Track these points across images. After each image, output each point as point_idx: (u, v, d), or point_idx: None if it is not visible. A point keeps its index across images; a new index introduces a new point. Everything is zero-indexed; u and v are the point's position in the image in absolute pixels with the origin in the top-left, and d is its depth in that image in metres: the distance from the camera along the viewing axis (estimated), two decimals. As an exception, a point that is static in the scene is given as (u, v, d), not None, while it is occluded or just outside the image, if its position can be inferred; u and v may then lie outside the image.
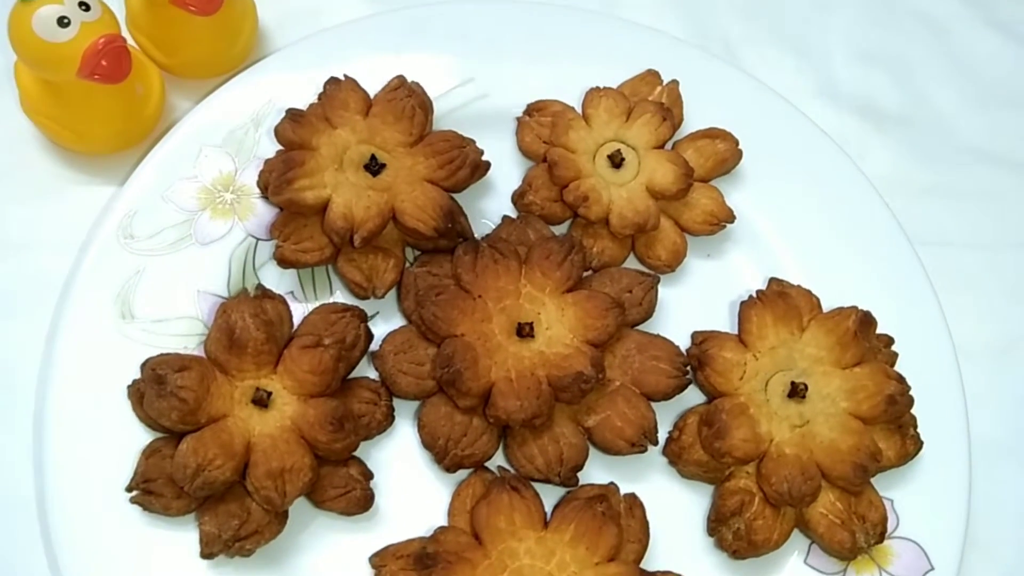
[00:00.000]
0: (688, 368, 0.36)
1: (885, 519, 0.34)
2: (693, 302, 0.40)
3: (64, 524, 0.33)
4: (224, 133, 0.40)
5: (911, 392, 0.34)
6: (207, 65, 0.42)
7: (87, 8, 0.36)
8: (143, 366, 0.33)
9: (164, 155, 0.39)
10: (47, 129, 0.40)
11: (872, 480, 0.35)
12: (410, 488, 0.36)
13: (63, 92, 0.38)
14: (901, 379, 0.34)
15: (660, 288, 0.39)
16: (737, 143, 0.41)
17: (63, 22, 0.35)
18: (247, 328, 0.33)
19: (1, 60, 0.40)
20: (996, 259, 0.44)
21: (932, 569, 0.35)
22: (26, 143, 0.41)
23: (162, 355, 0.34)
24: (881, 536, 0.34)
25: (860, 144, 0.45)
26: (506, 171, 0.41)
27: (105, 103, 0.39)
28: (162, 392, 0.32)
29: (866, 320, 0.35)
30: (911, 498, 0.36)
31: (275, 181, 0.36)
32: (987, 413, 0.40)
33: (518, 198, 0.40)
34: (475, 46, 0.42)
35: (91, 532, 0.33)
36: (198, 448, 0.32)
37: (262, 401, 0.33)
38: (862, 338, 0.35)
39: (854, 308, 0.36)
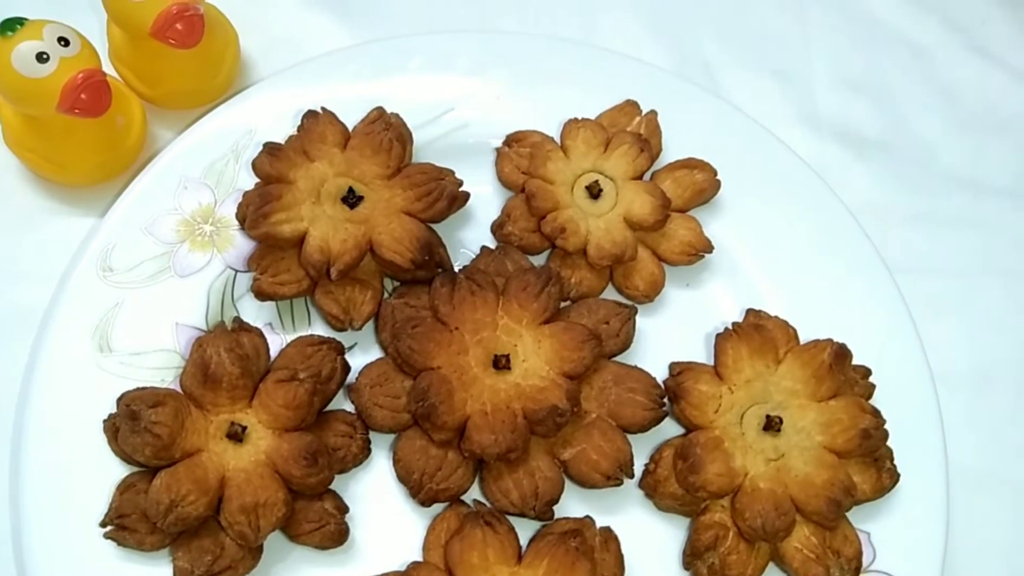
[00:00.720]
0: (665, 400, 0.36)
1: (860, 554, 0.34)
2: (671, 332, 0.40)
3: (40, 559, 0.33)
4: (204, 165, 0.40)
5: (886, 425, 0.34)
6: (189, 96, 0.42)
7: (66, 43, 0.36)
8: (119, 401, 0.33)
9: (144, 187, 0.39)
10: (29, 162, 0.41)
11: (848, 513, 0.35)
12: (385, 522, 0.36)
13: (44, 126, 0.39)
14: (876, 413, 0.34)
15: (638, 318, 0.39)
16: (715, 173, 0.41)
17: (42, 58, 0.35)
18: (222, 363, 0.34)
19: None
20: (976, 286, 0.44)
21: (908, 603, 0.34)
22: (8, 175, 0.42)
23: (137, 390, 0.34)
24: (856, 571, 0.34)
25: (841, 171, 0.45)
26: (486, 201, 0.41)
27: (86, 136, 0.39)
28: (136, 428, 0.32)
29: (841, 353, 0.35)
30: (888, 531, 0.36)
31: (252, 215, 0.36)
32: (966, 441, 0.40)
33: (497, 229, 0.40)
34: (455, 76, 0.43)
35: (67, 567, 0.33)
36: (171, 484, 0.32)
37: (236, 436, 0.33)
38: (837, 371, 0.35)
39: (829, 341, 0.36)
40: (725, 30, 0.48)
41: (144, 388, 0.34)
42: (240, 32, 0.43)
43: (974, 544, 0.38)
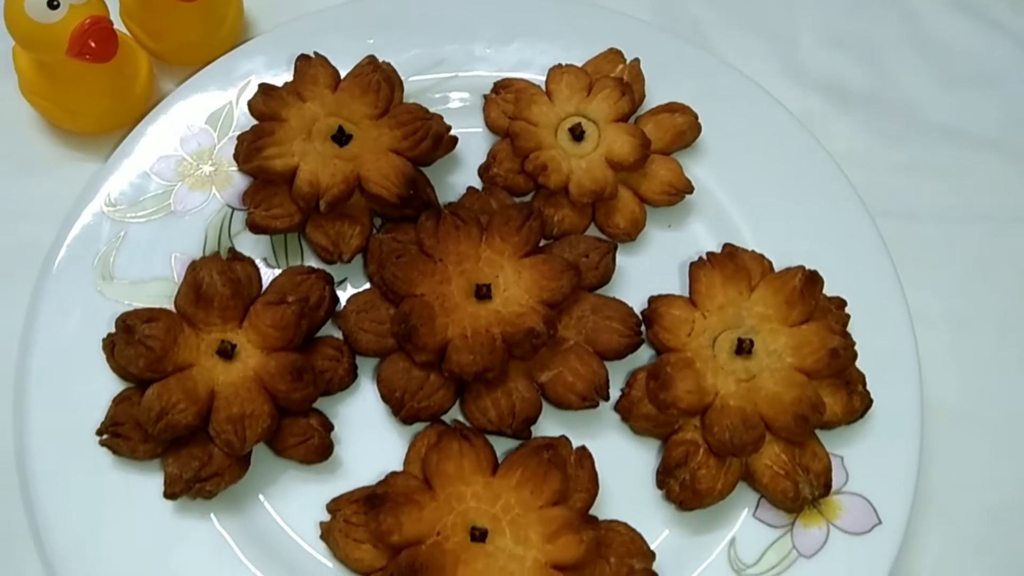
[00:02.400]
0: (641, 328, 0.37)
1: (829, 470, 0.34)
2: (652, 270, 0.41)
3: (41, 472, 0.35)
4: (205, 111, 0.42)
5: (860, 354, 0.35)
6: (193, 50, 0.44)
7: (75, -9, 0.38)
8: (117, 319, 0.35)
9: (148, 130, 0.41)
10: (43, 109, 0.43)
11: (822, 438, 0.36)
12: (369, 442, 0.37)
13: (56, 73, 0.41)
14: (845, 334, 0.35)
15: (620, 257, 0.40)
16: (696, 117, 0.42)
17: (52, 4, 0.38)
18: (214, 284, 0.35)
19: (1, 46, 0.43)
20: (958, 231, 0.44)
21: (880, 523, 0.35)
22: (23, 124, 0.44)
23: (134, 309, 0.35)
24: (825, 487, 0.34)
25: (825, 123, 0.46)
26: (475, 148, 0.43)
27: (95, 84, 0.42)
28: (130, 340, 0.34)
29: (812, 278, 0.36)
30: (861, 455, 0.36)
31: (245, 149, 0.38)
32: (947, 381, 0.41)
33: (483, 171, 0.42)
34: (446, 30, 0.44)
35: (66, 478, 0.35)
36: (163, 393, 0.33)
37: (226, 352, 0.35)
38: (808, 296, 0.36)
39: (801, 267, 0.36)
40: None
41: (141, 308, 0.36)
42: (243, -9, 0.46)
43: (952, 476, 0.39)
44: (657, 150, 0.41)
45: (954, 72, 0.48)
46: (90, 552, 0.34)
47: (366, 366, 0.38)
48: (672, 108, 0.42)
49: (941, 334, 0.42)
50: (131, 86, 0.43)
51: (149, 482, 0.35)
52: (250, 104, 0.39)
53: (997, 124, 0.47)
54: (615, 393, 0.37)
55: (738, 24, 0.49)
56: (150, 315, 0.35)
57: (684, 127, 0.42)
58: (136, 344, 0.34)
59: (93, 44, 0.39)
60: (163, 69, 0.45)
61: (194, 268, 0.36)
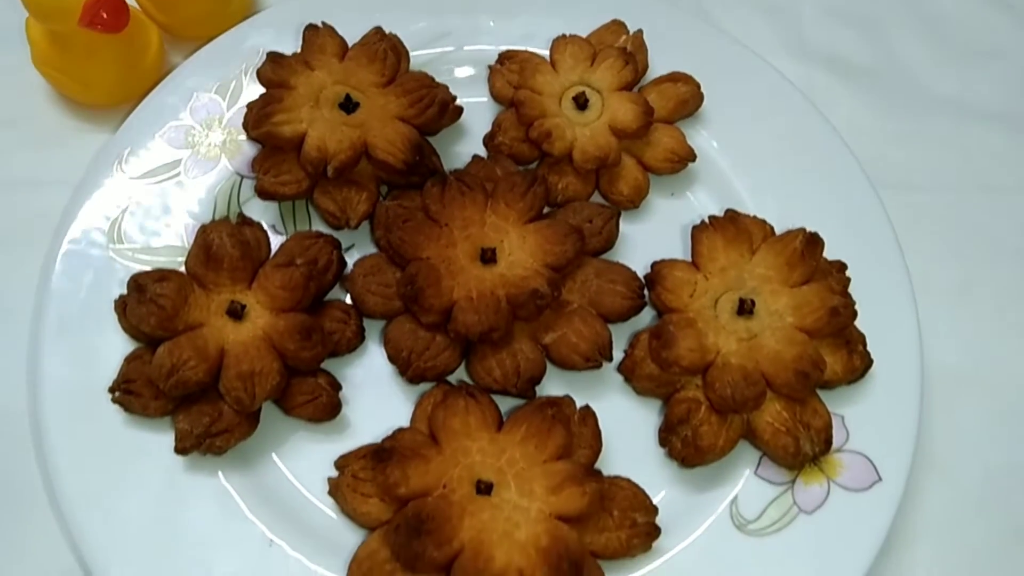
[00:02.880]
0: (644, 292, 0.38)
1: (829, 426, 0.35)
2: (655, 237, 0.41)
3: (54, 428, 0.35)
4: (215, 80, 0.43)
5: (855, 307, 0.35)
6: (203, 23, 0.45)
7: (87, -38, 0.39)
8: (128, 280, 0.36)
9: (159, 99, 0.42)
10: (55, 81, 0.44)
11: (824, 398, 0.36)
12: (376, 402, 0.38)
13: (68, 45, 0.42)
14: (845, 293, 0.36)
15: (624, 224, 0.40)
16: (698, 86, 0.42)
17: (66, -26, 0.38)
18: (223, 245, 0.36)
19: (14, 19, 0.43)
20: (960, 201, 0.45)
21: (880, 480, 0.35)
22: (36, 95, 0.45)
23: (145, 270, 0.36)
24: (826, 443, 0.35)
25: (827, 95, 0.47)
26: (480, 118, 0.43)
27: (107, 56, 0.42)
28: (142, 299, 0.35)
29: (812, 240, 0.36)
30: (862, 415, 0.37)
31: (254, 116, 0.39)
32: (948, 345, 0.41)
33: (488, 140, 0.42)
34: (451, 4, 0.45)
35: (78, 435, 0.35)
36: (173, 350, 0.34)
37: (236, 312, 0.35)
38: (809, 257, 0.36)
39: (801, 229, 0.37)
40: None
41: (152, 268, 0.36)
42: (253, -33, 0.47)
43: (952, 440, 0.39)
44: (660, 119, 0.42)
45: (955, 45, 0.49)
46: (102, 507, 0.34)
47: (373, 331, 0.39)
48: (675, 78, 0.43)
49: (942, 300, 0.42)
50: (141, 58, 0.44)
51: (160, 439, 0.35)
52: (259, 72, 0.40)
53: (997, 96, 0.48)
54: (618, 355, 0.38)
55: (741, 1, 0.50)
56: (161, 275, 0.35)
57: (687, 96, 0.42)
58: (148, 303, 0.34)
59: (105, 15, 0.39)
60: (173, 45, 0.46)
61: (204, 230, 0.36)
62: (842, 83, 0.48)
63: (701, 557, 0.34)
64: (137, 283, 0.35)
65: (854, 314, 0.35)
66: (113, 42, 0.42)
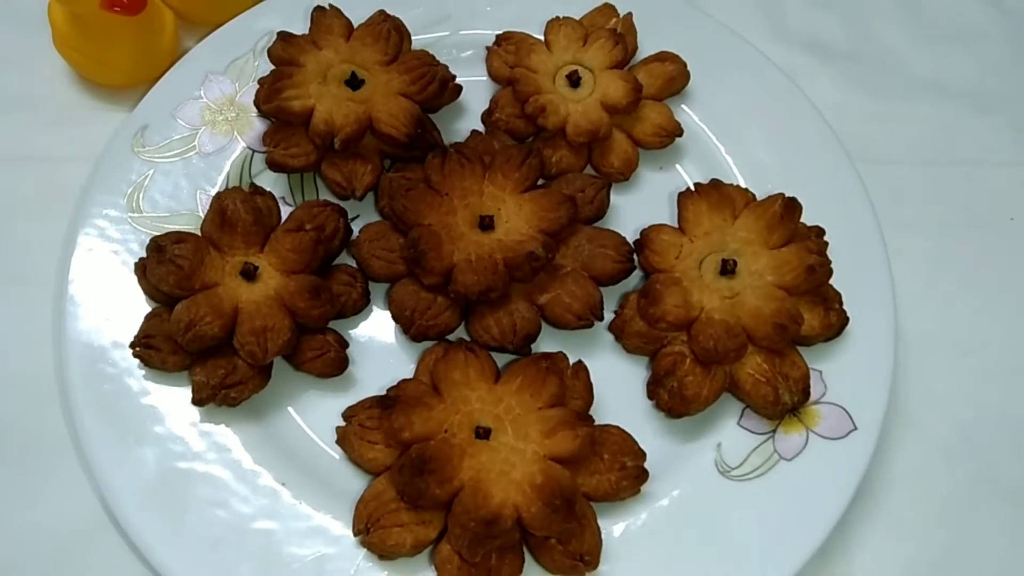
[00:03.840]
0: (633, 256, 0.40)
1: (807, 377, 0.37)
2: (644, 208, 0.44)
3: (78, 385, 0.38)
4: (227, 61, 0.45)
5: (831, 266, 0.38)
6: (215, 8, 0.47)
7: (109, -52, 0.41)
8: (148, 242, 0.38)
9: (174, 79, 0.44)
10: (74, 61, 0.46)
11: (804, 354, 0.38)
12: (381, 360, 0.40)
13: (88, 27, 0.44)
14: (821, 253, 0.38)
15: (614, 196, 0.43)
16: (685, 65, 0.45)
17: (88, -42, 0.41)
18: (237, 210, 0.38)
19: (38, 4, 0.46)
20: (936, 175, 0.47)
21: (855, 429, 0.37)
22: (56, 76, 0.47)
23: (164, 232, 0.38)
24: (804, 393, 0.37)
25: (808, 76, 0.49)
26: (478, 97, 0.46)
27: (124, 38, 0.45)
28: (161, 259, 0.37)
29: (790, 204, 0.39)
30: (839, 370, 0.39)
31: (265, 91, 0.41)
32: (923, 310, 0.43)
33: (486, 116, 0.44)
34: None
35: (101, 391, 0.38)
36: (191, 306, 0.36)
37: (249, 273, 0.38)
38: (787, 219, 0.38)
39: (780, 194, 0.39)
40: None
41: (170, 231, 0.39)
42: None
43: (925, 396, 0.41)
44: (648, 96, 0.44)
45: (931, 29, 0.51)
46: (124, 456, 0.36)
47: (378, 296, 0.41)
48: (662, 57, 0.45)
49: (918, 268, 0.44)
50: (157, 41, 0.46)
51: (177, 392, 0.38)
52: (270, 50, 0.42)
53: (972, 77, 0.50)
54: (609, 316, 0.40)
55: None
56: (179, 236, 0.37)
57: (674, 74, 0.45)
58: (167, 263, 0.37)
59: (124, -3, 0.42)
60: (187, 30, 0.48)
61: (219, 197, 0.39)
62: (823, 65, 0.50)
63: (688, 501, 0.37)
64: (157, 244, 0.37)
65: (830, 272, 0.38)
66: (130, 25, 0.44)
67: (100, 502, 0.37)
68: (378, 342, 0.40)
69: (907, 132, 0.48)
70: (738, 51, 0.47)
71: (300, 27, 0.45)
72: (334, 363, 0.38)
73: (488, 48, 0.46)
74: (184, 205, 0.42)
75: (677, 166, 0.45)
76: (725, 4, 0.51)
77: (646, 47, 0.46)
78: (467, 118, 0.46)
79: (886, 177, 0.46)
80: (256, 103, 0.42)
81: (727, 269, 0.38)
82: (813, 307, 0.38)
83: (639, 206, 0.44)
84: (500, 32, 0.46)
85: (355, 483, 0.37)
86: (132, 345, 0.37)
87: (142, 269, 0.38)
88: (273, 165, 0.42)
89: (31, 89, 0.47)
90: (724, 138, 0.45)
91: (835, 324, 0.38)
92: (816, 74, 0.50)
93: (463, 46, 0.47)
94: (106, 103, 0.47)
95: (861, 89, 0.49)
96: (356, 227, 0.42)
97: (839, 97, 0.49)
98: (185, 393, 0.37)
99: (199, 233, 0.39)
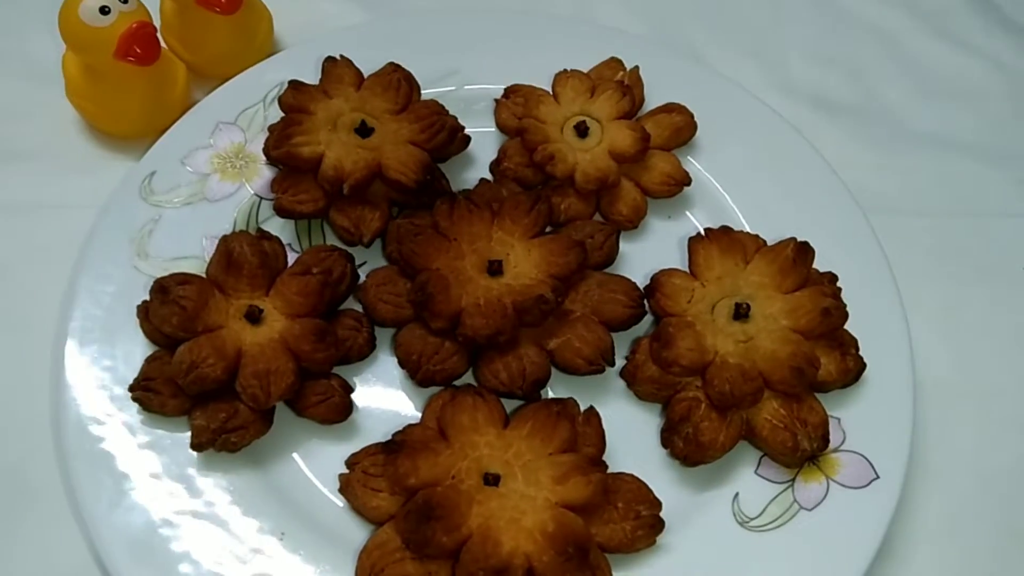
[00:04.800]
0: (643, 301, 0.40)
1: (825, 423, 0.36)
2: (653, 256, 0.43)
3: (73, 431, 0.36)
4: (237, 111, 0.45)
5: (846, 308, 0.37)
6: (226, 62, 0.48)
7: (125, 0, 0.42)
8: (152, 284, 0.37)
9: (184, 127, 0.45)
10: (87, 112, 0.47)
11: (819, 399, 0.37)
12: (387, 408, 0.39)
13: (102, 77, 0.45)
14: (836, 296, 0.37)
15: (624, 244, 0.42)
16: (692, 116, 0.45)
17: (104, 10, 0.42)
18: (243, 253, 0.38)
19: (51, 58, 0.47)
20: (944, 225, 0.47)
21: (877, 478, 0.36)
22: (68, 128, 0.48)
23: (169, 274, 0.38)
24: (823, 439, 0.36)
25: (813, 131, 0.49)
26: (486, 148, 0.46)
27: (136, 89, 0.45)
28: (165, 300, 0.36)
29: (803, 248, 0.38)
30: (857, 417, 0.38)
31: (275, 137, 0.41)
32: (939, 358, 0.43)
33: (494, 166, 0.45)
34: (460, 46, 0.48)
35: (97, 438, 0.36)
36: (193, 348, 0.35)
37: (254, 316, 0.37)
38: (800, 264, 0.38)
39: (792, 239, 0.39)
40: (709, 13, 0.54)
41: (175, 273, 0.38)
42: (275, 15, 0.50)
43: (946, 447, 0.40)
44: (656, 146, 0.45)
45: (933, 87, 0.52)
46: (118, 504, 0.35)
47: (384, 343, 0.40)
48: (670, 108, 0.45)
49: (931, 317, 0.44)
50: (169, 93, 0.47)
51: (176, 438, 0.36)
52: (280, 98, 0.42)
53: (975, 131, 0.50)
54: (619, 363, 0.39)
55: (731, 44, 0.53)
56: (184, 278, 0.37)
57: (681, 124, 0.45)
58: (170, 303, 0.36)
59: (138, 49, 0.43)
60: (198, 84, 0.49)
61: (226, 239, 0.38)
62: (827, 120, 0.51)
63: (706, 552, 0.35)
64: (161, 285, 0.37)
65: (845, 315, 0.37)
66: (143, 76, 0.45)
67: (92, 556, 0.36)
68: (384, 389, 0.39)
69: (913, 184, 0.48)
70: (743, 103, 0.47)
71: (311, 80, 0.45)
72: (338, 408, 0.37)
73: (496, 100, 0.46)
74: (190, 250, 0.41)
75: (687, 213, 0.45)
76: (729, 60, 0.52)
77: (653, 100, 0.46)
78: (475, 168, 0.46)
79: (894, 228, 0.46)
80: (265, 150, 0.42)
81: (740, 313, 0.37)
82: (829, 352, 0.37)
83: (648, 254, 0.43)
84: (509, 86, 0.46)
85: (358, 534, 0.35)
86: (131, 388, 0.36)
87: (144, 312, 0.38)
88: (281, 211, 0.42)
89: (43, 140, 0.47)
90: (731, 188, 0.45)
91: (852, 369, 0.37)
92: (820, 128, 0.50)
93: (471, 98, 0.47)
94: (116, 153, 0.47)
95: (865, 142, 0.50)
96: (363, 274, 0.41)
97: (844, 150, 0.49)
98: (184, 439, 0.36)
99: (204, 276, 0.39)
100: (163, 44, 0.47)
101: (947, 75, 0.53)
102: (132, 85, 0.45)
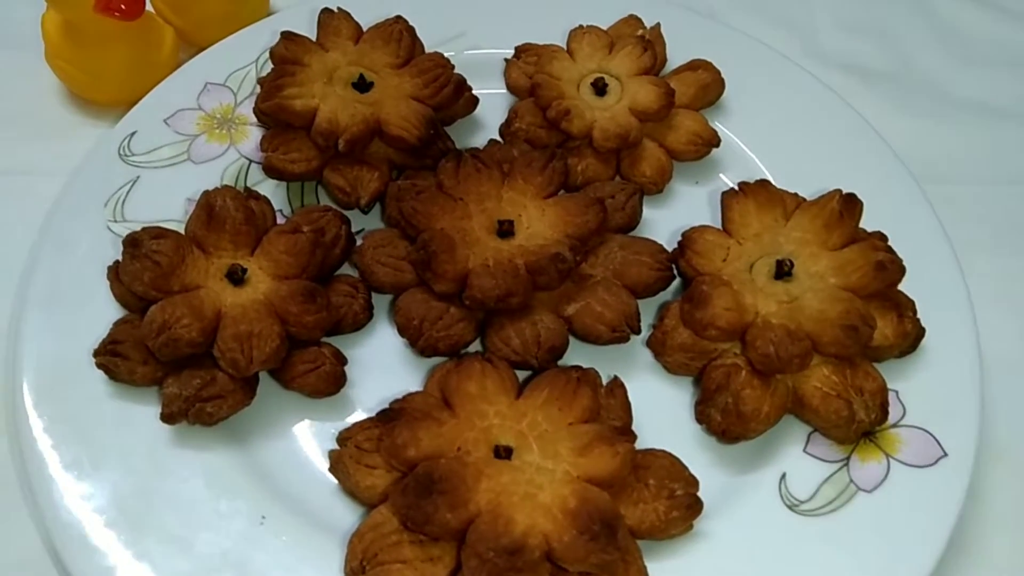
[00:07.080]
0: (671, 264, 0.36)
1: (884, 390, 0.32)
2: (680, 223, 0.39)
3: (29, 404, 0.32)
4: (227, 72, 0.42)
5: (902, 263, 0.33)
6: (216, 25, 0.45)
7: (107, -50, 0.39)
8: (124, 238, 0.33)
9: (169, 86, 0.41)
10: (66, 75, 0.43)
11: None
12: (384, 383, 0.34)
13: (83, 37, 0.42)
14: (891, 249, 0.33)
15: (648, 210, 0.39)
16: (719, 72, 0.41)
17: (84, -41, 0.39)
18: (227, 207, 0.34)
19: (28, 26, 0.44)
20: (991, 193, 0.43)
21: (945, 455, 0.32)
22: (45, 94, 0.44)
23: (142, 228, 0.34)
24: (882, 408, 0.31)
25: (848, 97, 0.46)
26: (496, 110, 0.42)
27: (119, 49, 0.42)
28: (136, 254, 0.32)
29: (850, 200, 0.34)
30: (917, 389, 0.33)
31: (265, 89, 0.37)
32: (1001, 332, 0.38)
33: (505, 127, 0.41)
34: (465, 5, 0.45)
35: (55, 411, 0.32)
36: (166, 307, 0.31)
37: (236, 276, 0.33)
38: (847, 217, 0.34)
39: (837, 190, 0.35)
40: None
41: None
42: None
43: (1013, 425, 0.36)
44: (682, 105, 0.41)
45: (971, 53, 0.49)
46: (77, 486, 0.31)
47: (382, 312, 0.36)
48: (694, 65, 0.42)
49: (992, 288, 0.39)
50: (154, 54, 0.43)
51: (145, 410, 0.32)
52: (272, 50, 0.39)
53: (1017, 98, 0.47)
54: (646, 332, 0.35)
55: (756, 11, 0.50)
56: (159, 232, 0.33)
57: (708, 81, 0.41)
58: (142, 258, 0.32)
59: (121, 2, 0.39)
60: (187, 50, 0.46)
61: (208, 194, 0.34)
62: (862, 86, 0.47)
63: (750, 538, 0.30)
64: (132, 239, 0.33)
65: (902, 268, 0.33)
66: (126, 36, 0.42)
67: (44, 544, 0.31)
68: (381, 361, 0.35)
69: (955, 151, 0.45)
70: (773, 63, 0.43)
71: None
72: (328, 378, 0.33)
73: (507, 60, 0.43)
74: (171, 213, 0.37)
75: (713, 179, 0.41)
76: (755, 30, 0.49)
77: (675, 61, 0.43)
78: (484, 132, 0.42)
79: (942, 196, 0.42)
80: (255, 111, 0.38)
81: (784, 271, 0.33)
82: (885, 313, 0.33)
83: (674, 222, 0.39)
84: (520, 44, 0.43)
85: (349, 517, 0.31)
86: (96, 353, 0.32)
87: (115, 272, 0.34)
88: (271, 171, 0.38)
89: (17, 107, 0.44)
90: (763, 152, 0.41)
91: (911, 333, 0.33)
92: (856, 94, 0.46)
93: (479, 60, 0.44)
94: (96, 120, 0.44)
95: (903, 109, 0.46)
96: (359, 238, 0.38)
97: (881, 116, 0.45)
98: (154, 412, 0.32)
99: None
100: (149, 7, 0.44)
101: (986, 41, 0.49)
102: (115, 46, 0.42)
